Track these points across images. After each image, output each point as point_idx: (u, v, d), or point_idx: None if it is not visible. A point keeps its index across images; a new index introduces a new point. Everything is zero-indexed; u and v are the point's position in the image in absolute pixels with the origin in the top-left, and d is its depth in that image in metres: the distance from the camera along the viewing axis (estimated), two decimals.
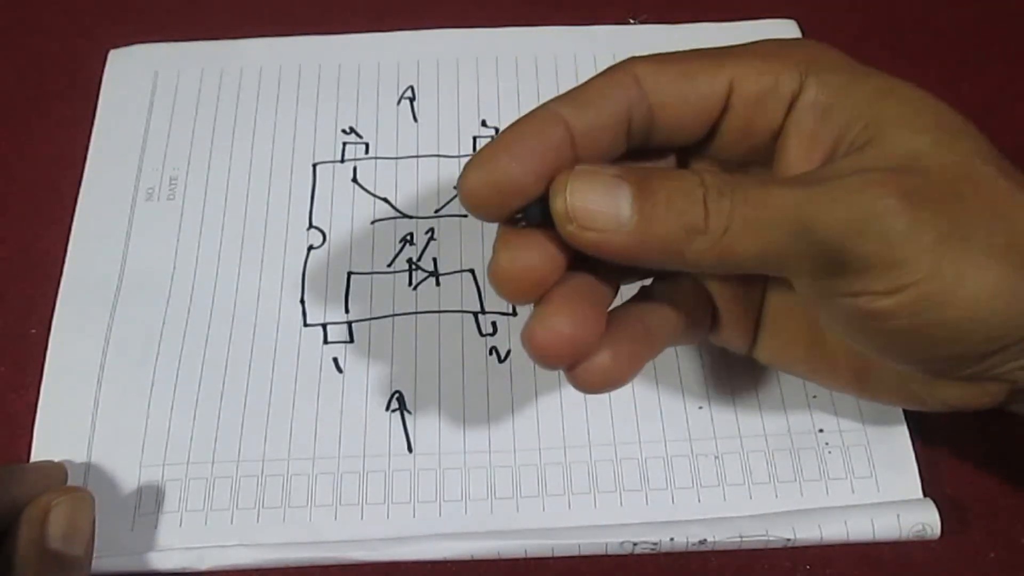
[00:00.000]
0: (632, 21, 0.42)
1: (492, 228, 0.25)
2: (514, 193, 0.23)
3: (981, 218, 0.22)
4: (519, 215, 0.24)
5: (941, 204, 0.22)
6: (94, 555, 0.28)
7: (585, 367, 0.25)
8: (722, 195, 0.23)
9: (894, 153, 0.23)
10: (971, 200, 0.23)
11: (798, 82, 0.25)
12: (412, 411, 0.33)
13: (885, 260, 0.22)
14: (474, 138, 0.39)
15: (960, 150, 0.23)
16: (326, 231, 0.36)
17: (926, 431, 0.32)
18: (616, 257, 0.23)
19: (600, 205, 0.23)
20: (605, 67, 0.25)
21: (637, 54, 0.25)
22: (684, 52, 0.26)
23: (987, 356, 0.24)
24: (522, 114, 0.24)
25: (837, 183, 0.23)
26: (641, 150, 0.26)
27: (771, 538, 0.30)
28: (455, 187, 0.37)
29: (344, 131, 0.39)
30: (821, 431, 0.32)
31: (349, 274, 0.35)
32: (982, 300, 0.22)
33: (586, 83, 0.25)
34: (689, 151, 0.27)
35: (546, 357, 0.24)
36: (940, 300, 0.22)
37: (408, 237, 0.36)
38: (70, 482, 0.31)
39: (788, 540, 0.30)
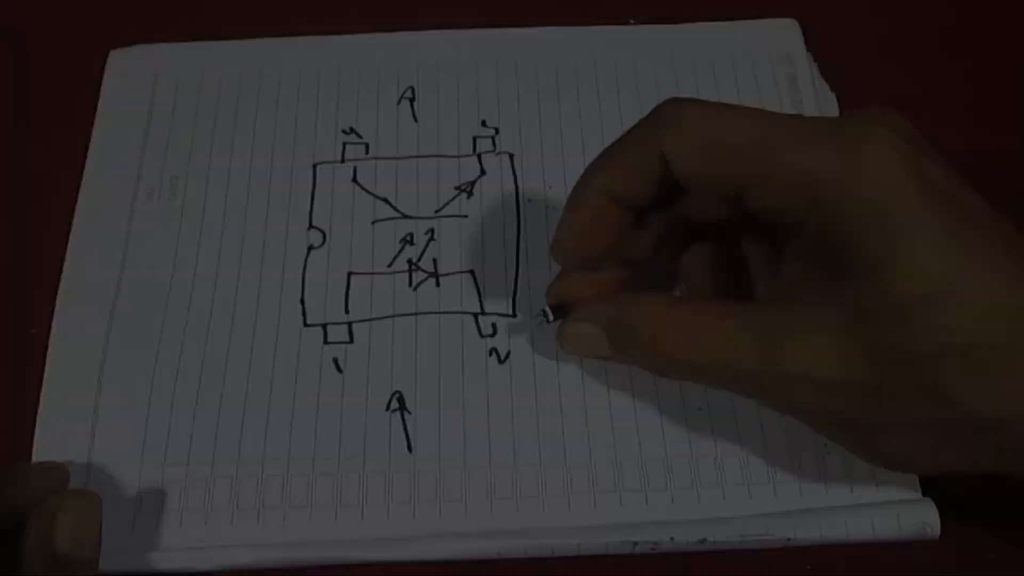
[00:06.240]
0: (632, 21, 0.42)
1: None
2: (580, 257, 0.31)
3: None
4: (541, 313, 0.32)
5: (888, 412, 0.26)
6: None
7: None
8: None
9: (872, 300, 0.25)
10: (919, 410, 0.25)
11: (807, 212, 0.26)
12: (412, 411, 0.33)
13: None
14: (474, 138, 0.38)
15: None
16: (326, 231, 0.36)
17: None
18: None
19: (587, 345, 0.30)
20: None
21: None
22: (718, 127, 0.27)
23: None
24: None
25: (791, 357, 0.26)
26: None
27: (771, 538, 0.30)
28: (456, 187, 0.37)
29: (344, 131, 0.39)
30: None
31: (349, 274, 0.35)
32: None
33: (622, 144, 0.28)
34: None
35: None
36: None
37: (408, 237, 0.36)
38: (72, 482, 0.30)
39: (788, 540, 0.30)
